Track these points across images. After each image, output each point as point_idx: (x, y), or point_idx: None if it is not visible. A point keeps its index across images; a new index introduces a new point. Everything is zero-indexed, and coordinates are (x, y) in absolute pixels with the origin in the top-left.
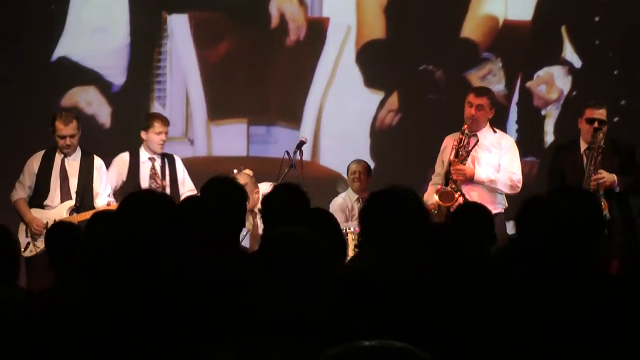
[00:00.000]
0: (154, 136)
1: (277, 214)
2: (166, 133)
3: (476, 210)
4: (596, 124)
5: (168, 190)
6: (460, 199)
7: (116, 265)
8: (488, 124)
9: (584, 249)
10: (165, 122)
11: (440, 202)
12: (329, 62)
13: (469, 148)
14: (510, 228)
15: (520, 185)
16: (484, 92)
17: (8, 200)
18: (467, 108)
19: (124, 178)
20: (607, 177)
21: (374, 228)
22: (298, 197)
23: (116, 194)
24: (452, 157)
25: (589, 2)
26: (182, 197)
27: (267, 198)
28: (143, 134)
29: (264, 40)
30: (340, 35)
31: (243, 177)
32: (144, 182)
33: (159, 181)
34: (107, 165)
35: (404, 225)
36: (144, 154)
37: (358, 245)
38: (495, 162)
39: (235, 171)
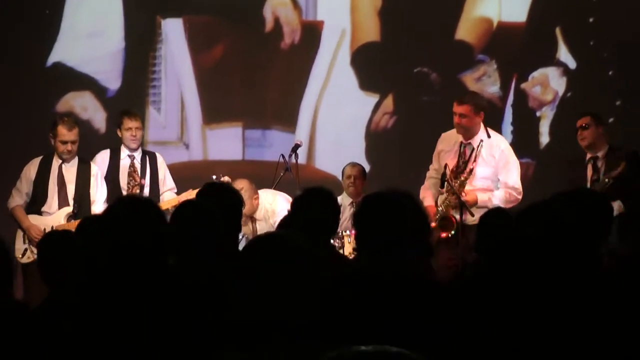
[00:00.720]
0: (124, 132)
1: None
2: (137, 128)
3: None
4: (580, 131)
5: (147, 189)
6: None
7: (108, 274)
8: (482, 128)
9: (584, 252)
10: (133, 117)
11: (442, 232)
12: (323, 65)
13: (466, 158)
14: None
15: (520, 196)
16: (465, 99)
17: (5, 207)
18: (454, 117)
19: (103, 175)
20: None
21: (370, 231)
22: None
23: None
24: (453, 178)
25: (582, 2)
26: (161, 196)
27: (299, 200)
28: (118, 132)
29: (259, 44)
30: (334, 38)
31: (242, 182)
32: (123, 179)
33: (137, 178)
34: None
35: (400, 228)
36: (124, 152)
37: (357, 248)
38: (490, 174)
39: (214, 177)
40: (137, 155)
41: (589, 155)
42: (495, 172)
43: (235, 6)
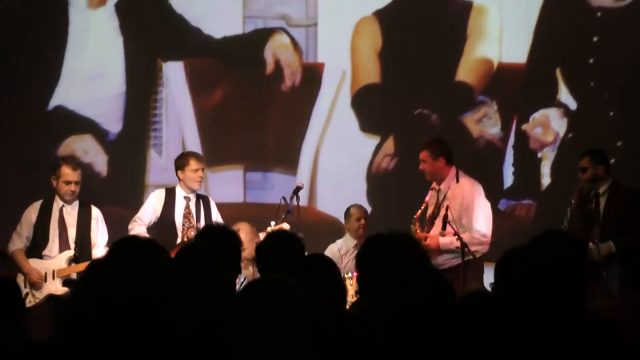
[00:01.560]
0: (191, 174)
1: (272, 261)
2: (203, 169)
3: None
4: (579, 174)
5: None
6: None
7: (108, 319)
8: (452, 173)
9: (566, 296)
10: (200, 158)
11: None
12: (324, 107)
13: (438, 204)
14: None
15: (486, 238)
16: (424, 144)
17: (5, 251)
18: None
19: (159, 214)
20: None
21: (372, 273)
22: (293, 244)
23: (149, 229)
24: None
25: (583, 43)
26: None
27: (261, 245)
28: (180, 174)
29: (260, 86)
30: (335, 80)
31: (243, 225)
32: (178, 220)
33: (192, 221)
34: (105, 215)
35: (402, 270)
36: (179, 192)
37: (359, 291)
38: (457, 218)
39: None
40: (192, 197)
41: (593, 192)
42: (460, 216)
43: (235, 49)
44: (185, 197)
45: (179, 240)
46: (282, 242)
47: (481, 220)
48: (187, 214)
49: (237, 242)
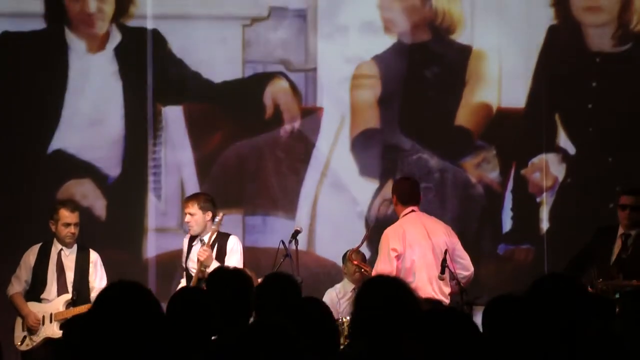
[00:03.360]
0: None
1: (269, 304)
2: (190, 214)
3: None
4: (627, 211)
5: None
6: None
7: None
8: (403, 213)
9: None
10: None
11: None
12: (323, 151)
13: None
14: None
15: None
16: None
17: (4, 295)
18: None
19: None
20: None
21: (364, 316)
22: (289, 286)
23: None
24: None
25: (581, 89)
26: None
27: (258, 288)
28: (206, 215)
29: (259, 130)
30: (334, 124)
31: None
32: (192, 263)
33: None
34: (104, 259)
35: (393, 314)
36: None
37: (350, 334)
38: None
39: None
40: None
41: (621, 231)
42: None
43: (235, 93)
44: (200, 240)
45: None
46: (280, 284)
47: (380, 267)
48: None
49: (246, 286)
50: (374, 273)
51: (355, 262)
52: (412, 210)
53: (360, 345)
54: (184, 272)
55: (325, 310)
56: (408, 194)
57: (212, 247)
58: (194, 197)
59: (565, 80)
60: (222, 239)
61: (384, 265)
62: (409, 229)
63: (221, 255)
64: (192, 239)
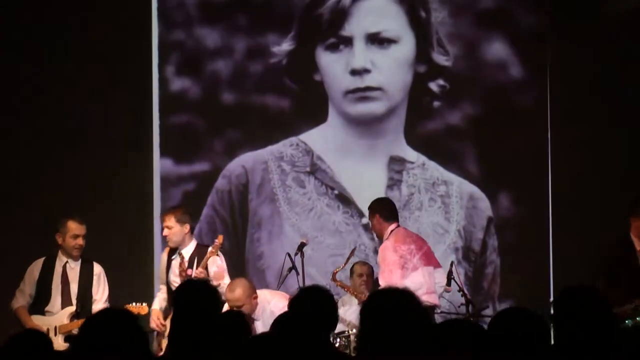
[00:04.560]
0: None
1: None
2: (168, 227)
3: None
4: None
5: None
6: None
7: None
8: (386, 233)
9: None
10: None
11: None
12: (329, 163)
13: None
14: None
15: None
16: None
17: (8, 308)
18: None
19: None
20: None
21: (371, 329)
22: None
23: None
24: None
25: None
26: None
27: (296, 301)
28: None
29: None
30: (340, 136)
31: (241, 282)
32: (174, 277)
33: (184, 276)
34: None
35: (402, 326)
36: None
37: (358, 346)
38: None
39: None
40: (189, 250)
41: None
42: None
43: None
44: (179, 254)
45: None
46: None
47: (384, 273)
48: (181, 272)
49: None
50: (384, 285)
51: (339, 284)
52: (397, 225)
53: (369, 358)
54: (165, 286)
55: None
56: (390, 211)
57: (196, 264)
58: (171, 211)
59: None
60: (202, 251)
61: (395, 277)
62: (411, 240)
63: (203, 267)
64: (172, 252)
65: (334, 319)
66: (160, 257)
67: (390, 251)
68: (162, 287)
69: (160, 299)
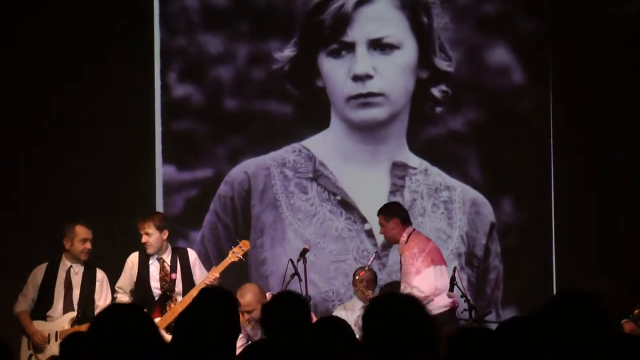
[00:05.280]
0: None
1: (278, 323)
2: (147, 234)
3: None
4: None
5: (180, 285)
6: None
7: None
8: (403, 236)
9: None
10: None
11: None
12: (331, 169)
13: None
14: None
15: (423, 294)
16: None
17: (11, 312)
18: None
19: (135, 280)
20: None
21: (373, 335)
22: (298, 305)
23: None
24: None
25: None
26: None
27: (267, 306)
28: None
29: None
30: (342, 141)
31: (251, 286)
32: (155, 283)
33: (168, 280)
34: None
35: (405, 331)
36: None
37: (361, 352)
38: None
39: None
40: (167, 254)
41: None
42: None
43: None
44: (158, 259)
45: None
46: (288, 303)
47: (418, 279)
48: (163, 276)
49: (232, 304)
50: (418, 293)
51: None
52: (414, 229)
53: None
54: (126, 292)
55: (340, 328)
56: (405, 214)
57: (179, 267)
58: (149, 218)
59: None
60: (181, 254)
61: (427, 282)
62: (434, 244)
63: (187, 270)
64: (145, 258)
65: (306, 324)
66: (126, 264)
67: (414, 255)
68: (120, 292)
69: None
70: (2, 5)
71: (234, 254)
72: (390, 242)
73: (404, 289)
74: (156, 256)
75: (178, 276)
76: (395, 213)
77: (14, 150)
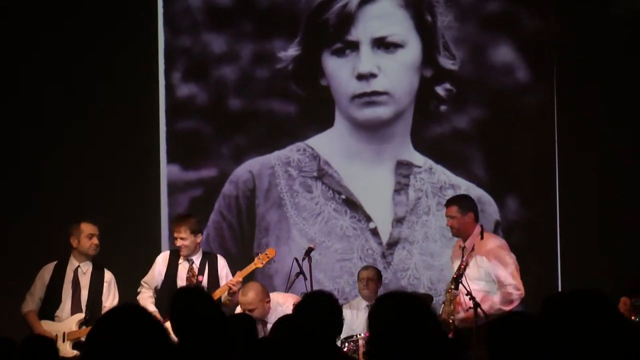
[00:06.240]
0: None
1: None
2: (182, 239)
3: None
4: None
5: (205, 288)
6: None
7: None
8: (477, 230)
9: None
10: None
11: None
12: (336, 168)
13: (463, 265)
14: None
15: (519, 292)
16: (451, 200)
17: (18, 312)
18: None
19: (163, 277)
20: None
21: (382, 334)
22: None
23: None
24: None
25: None
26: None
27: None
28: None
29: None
30: (347, 141)
31: (254, 286)
32: (181, 282)
33: (194, 281)
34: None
35: (412, 331)
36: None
37: (367, 351)
38: (483, 275)
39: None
40: (197, 258)
41: None
42: (487, 272)
43: None
44: (187, 260)
45: None
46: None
47: (512, 277)
48: (190, 277)
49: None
50: (513, 291)
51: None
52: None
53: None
54: (152, 289)
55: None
56: (478, 211)
57: (207, 271)
58: (183, 222)
59: None
60: (211, 259)
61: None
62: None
63: (214, 274)
64: (176, 257)
65: (339, 323)
66: (156, 260)
67: (508, 250)
68: (145, 286)
69: (146, 299)
70: (17, 10)
71: (260, 260)
72: (456, 235)
73: (503, 287)
74: (187, 257)
75: (205, 279)
76: (472, 207)
77: (19, 152)
